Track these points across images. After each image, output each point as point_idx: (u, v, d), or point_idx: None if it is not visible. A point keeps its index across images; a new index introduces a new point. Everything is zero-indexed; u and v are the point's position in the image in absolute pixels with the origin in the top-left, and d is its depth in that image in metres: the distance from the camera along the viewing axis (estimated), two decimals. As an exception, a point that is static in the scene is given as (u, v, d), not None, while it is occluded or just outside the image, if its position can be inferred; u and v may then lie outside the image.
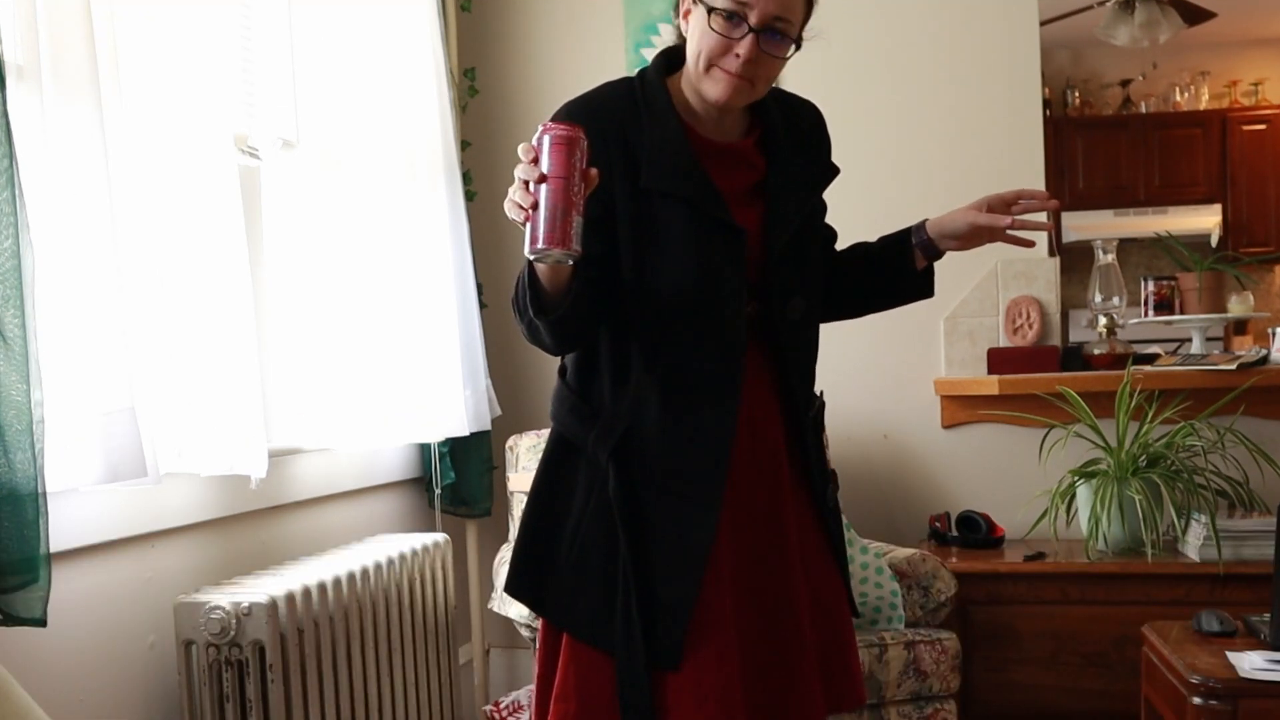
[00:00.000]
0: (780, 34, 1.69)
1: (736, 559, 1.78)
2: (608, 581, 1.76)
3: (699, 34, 1.71)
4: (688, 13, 1.75)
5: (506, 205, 1.57)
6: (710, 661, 1.72)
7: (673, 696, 1.72)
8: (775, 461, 1.84)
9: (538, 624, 1.94)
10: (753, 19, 1.67)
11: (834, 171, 1.91)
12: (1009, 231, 1.82)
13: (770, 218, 1.79)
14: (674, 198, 1.73)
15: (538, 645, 1.89)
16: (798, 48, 1.73)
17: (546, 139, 1.54)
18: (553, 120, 1.58)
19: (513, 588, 1.85)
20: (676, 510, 1.75)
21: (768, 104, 1.83)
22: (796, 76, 1.90)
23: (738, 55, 1.68)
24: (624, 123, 1.75)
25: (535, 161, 1.54)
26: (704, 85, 1.73)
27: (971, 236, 1.85)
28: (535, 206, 1.53)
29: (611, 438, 1.76)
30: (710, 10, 1.68)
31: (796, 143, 1.85)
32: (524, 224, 1.55)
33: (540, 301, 1.65)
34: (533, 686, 1.95)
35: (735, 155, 1.81)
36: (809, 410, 1.87)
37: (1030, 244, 1.88)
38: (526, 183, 1.54)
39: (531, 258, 1.57)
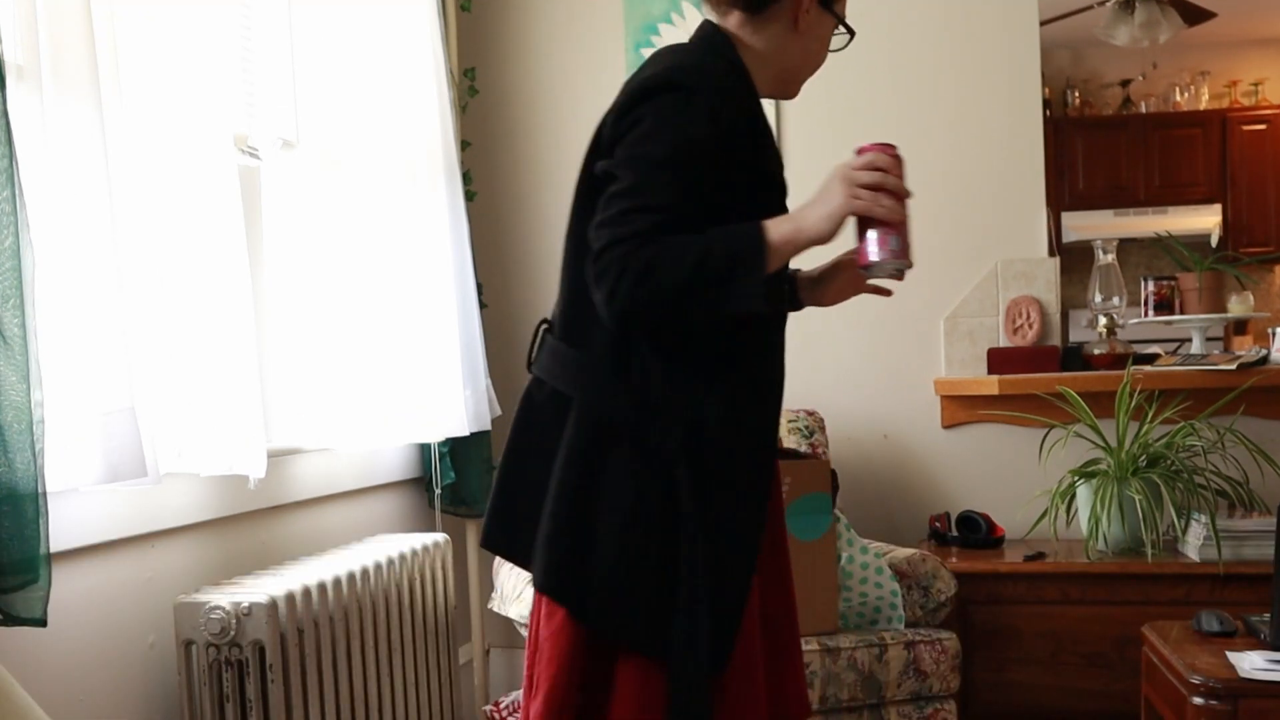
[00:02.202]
0: None
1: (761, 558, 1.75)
2: (665, 583, 1.62)
3: (818, 48, 1.76)
4: (807, 10, 1.72)
5: (877, 210, 1.58)
6: (751, 663, 1.68)
7: (731, 699, 1.65)
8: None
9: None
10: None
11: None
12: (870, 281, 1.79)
13: None
14: (777, 182, 1.74)
15: (552, 651, 1.69)
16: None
17: (896, 158, 1.62)
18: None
19: (553, 588, 1.66)
20: (737, 506, 1.66)
21: None
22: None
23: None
24: (749, 103, 1.70)
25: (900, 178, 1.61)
26: (789, 89, 1.79)
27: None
28: (905, 221, 1.61)
29: (677, 430, 1.63)
30: (849, 34, 1.76)
31: None
32: (889, 234, 1.61)
33: (763, 290, 1.57)
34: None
35: None
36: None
37: (888, 293, 1.87)
38: (902, 197, 1.60)
39: (892, 268, 1.63)
